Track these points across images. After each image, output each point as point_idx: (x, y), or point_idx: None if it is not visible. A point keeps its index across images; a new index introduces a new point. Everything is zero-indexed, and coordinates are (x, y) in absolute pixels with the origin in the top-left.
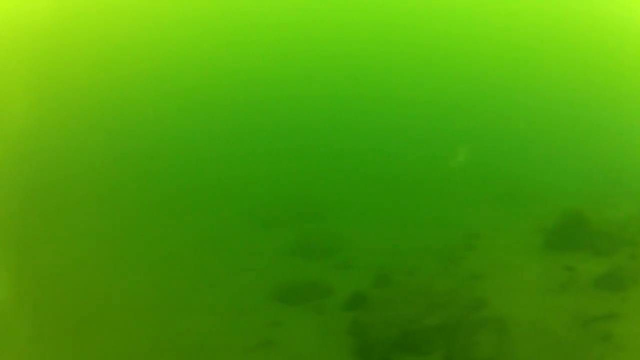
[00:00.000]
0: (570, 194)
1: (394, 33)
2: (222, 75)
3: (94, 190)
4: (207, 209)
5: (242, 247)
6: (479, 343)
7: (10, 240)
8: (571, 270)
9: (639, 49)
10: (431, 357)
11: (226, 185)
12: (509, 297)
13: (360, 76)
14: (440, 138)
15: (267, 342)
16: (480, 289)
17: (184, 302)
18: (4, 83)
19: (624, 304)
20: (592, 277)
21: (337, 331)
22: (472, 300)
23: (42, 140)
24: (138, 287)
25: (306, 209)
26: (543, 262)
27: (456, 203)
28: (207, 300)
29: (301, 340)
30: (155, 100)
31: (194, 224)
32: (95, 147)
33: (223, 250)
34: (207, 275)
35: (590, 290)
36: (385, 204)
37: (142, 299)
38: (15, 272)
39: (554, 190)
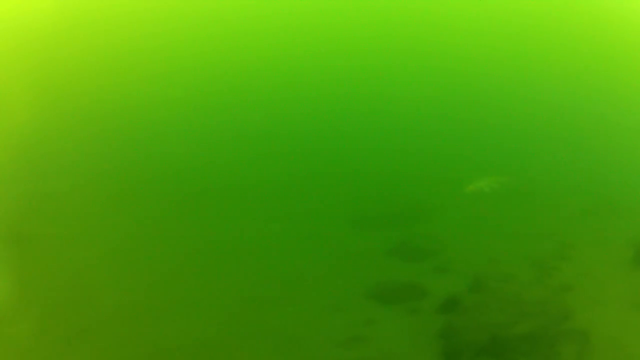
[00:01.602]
0: None
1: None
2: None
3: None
4: (312, 207)
5: (344, 245)
6: (560, 354)
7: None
8: None
9: None
10: None
11: (331, 185)
12: (594, 311)
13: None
14: (541, 151)
15: (359, 338)
16: (568, 301)
17: (281, 297)
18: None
19: None
20: None
21: (428, 333)
22: (559, 311)
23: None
24: (235, 282)
25: (410, 211)
26: (631, 277)
27: (552, 213)
28: (304, 295)
29: (392, 339)
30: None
31: (298, 221)
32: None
33: (325, 247)
34: (306, 271)
35: None
36: (485, 211)
37: (241, 292)
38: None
39: None
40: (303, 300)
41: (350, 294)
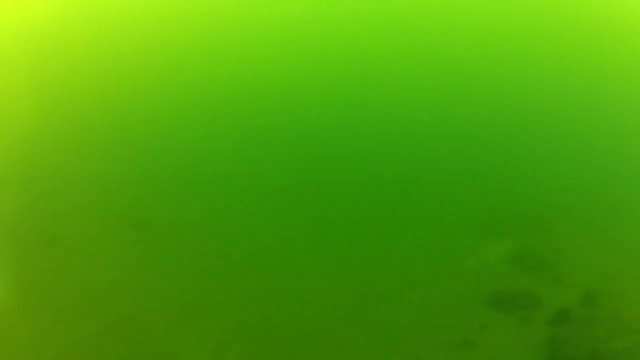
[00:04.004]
0: None
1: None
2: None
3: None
4: (437, 211)
5: (467, 250)
6: None
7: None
8: None
9: None
10: None
11: (456, 189)
12: None
13: None
14: None
15: (469, 342)
16: None
17: (398, 296)
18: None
19: None
20: None
21: (536, 343)
22: None
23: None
24: (350, 279)
25: (534, 219)
26: None
27: None
28: (422, 296)
29: (501, 346)
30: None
31: (422, 224)
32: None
33: (447, 251)
34: (426, 273)
35: None
36: (604, 226)
37: (356, 289)
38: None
39: None
40: (420, 302)
41: (468, 299)
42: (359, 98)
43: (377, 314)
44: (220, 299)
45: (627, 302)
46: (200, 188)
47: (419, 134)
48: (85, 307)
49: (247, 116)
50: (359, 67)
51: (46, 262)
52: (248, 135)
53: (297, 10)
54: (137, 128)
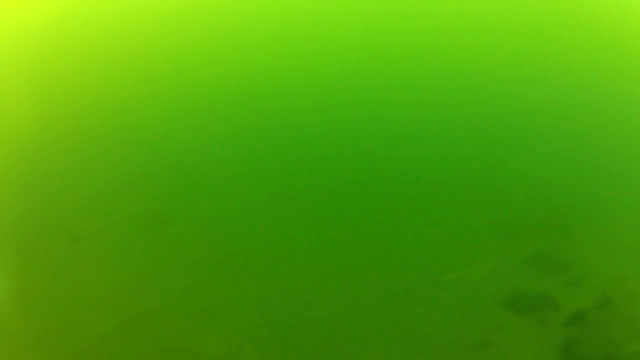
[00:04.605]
0: None
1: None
2: None
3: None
4: (456, 211)
5: (486, 251)
6: None
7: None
8: None
9: None
10: None
11: (476, 190)
12: None
13: None
14: None
15: (486, 343)
16: None
17: (415, 296)
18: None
19: None
20: None
21: (552, 345)
22: None
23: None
24: (367, 278)
25: (553, 221)
26: None
27: None
28: (440, 296)
29: (518, 348)
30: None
31: (441, 224)
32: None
33: (465, 251)
34: (444, 273)
35: None
36: (621, 228)
37: (374, 288)
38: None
39: None
40: (438, 302)
41: (486, 300)
42: (377, 98)
43: (395, 314)
44: (239, 296)
45: None
46: (219, 185)
47: (438, 135)
48: (105, 303)
49: (264, 114)
50: (376, 67)
51: (65, 258)
52: (270, 131)
53: (311, 12)
54: (153, 127)
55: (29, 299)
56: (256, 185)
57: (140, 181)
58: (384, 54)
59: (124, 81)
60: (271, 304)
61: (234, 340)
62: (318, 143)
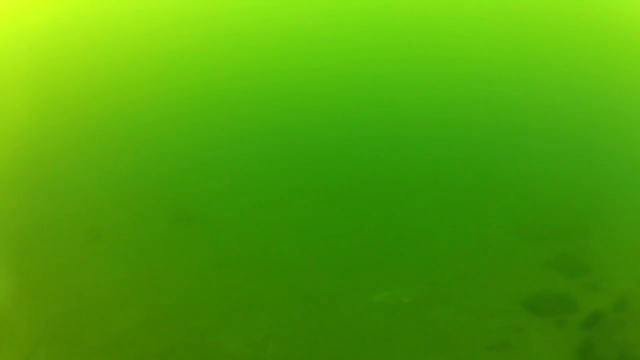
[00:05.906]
0: None
1: None
2: None
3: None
4: (478, 213)
5: (506, 253)
6: None
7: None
8: None
9: None
10: None
11: (498, 192)
12: None
13: None
14: None
15: (505, 344)
16: None
17: (436, 298)
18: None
19: None
20: None
21: (569, 347)
22: None
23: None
24: (384, 280)
25: (573, 224)
26: None
27: None
28: (461, 298)
29: (535, 348)
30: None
31: (463, 225)
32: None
33: (487, 253)
34: (465, 275)
35: None
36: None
37: (391, 289)
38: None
39: None
40: (459, 303)
41: (506, 301)
42: (389, 100)
43: (417, 315)
44: (263, 294)
45: None
46: (243, 184)
47: (459, 139)
48: (128, 299)
49: (278, 115)
50: (383, 68)
51: (88, 255)
52: (291, 131)
53: (317, 13)
54: (175, 125)
55: (50, 295)
56: (283, 183)
57: (163, 178)
58: (402, 55)
59: (151, 79)
60: (295, 302)
61: (257, 337)
62: (344, 141)
